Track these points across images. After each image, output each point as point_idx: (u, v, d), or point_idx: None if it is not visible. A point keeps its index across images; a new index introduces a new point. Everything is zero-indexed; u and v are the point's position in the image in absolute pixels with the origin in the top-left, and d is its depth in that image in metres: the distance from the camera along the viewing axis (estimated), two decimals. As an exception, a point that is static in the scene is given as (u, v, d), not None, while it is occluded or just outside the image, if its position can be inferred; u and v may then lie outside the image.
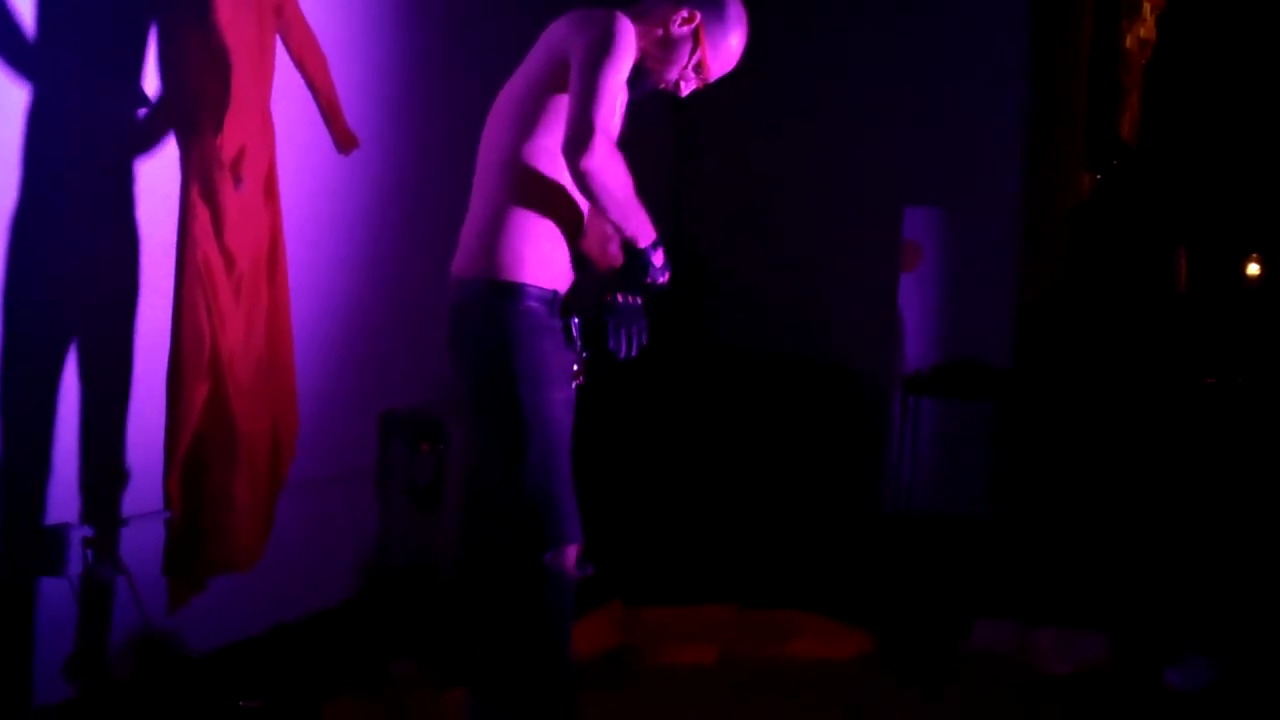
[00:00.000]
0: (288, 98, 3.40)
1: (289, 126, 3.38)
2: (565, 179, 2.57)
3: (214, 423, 3.08)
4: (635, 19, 2.64)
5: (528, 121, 2.63)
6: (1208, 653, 3.69)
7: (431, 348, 4.17)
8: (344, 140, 3.63)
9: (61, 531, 2.88)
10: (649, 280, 2.66)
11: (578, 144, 2.45)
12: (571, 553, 2.59)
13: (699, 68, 2.71)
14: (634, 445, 5.11)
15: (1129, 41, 5.99)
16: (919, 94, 5.42)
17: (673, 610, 4.04)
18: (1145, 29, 6.03)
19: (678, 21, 2.68)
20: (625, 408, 5.10)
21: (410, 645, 3.61)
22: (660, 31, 2.69)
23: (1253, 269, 5.74)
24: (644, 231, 2.60)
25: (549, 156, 2.59)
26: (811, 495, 5.13)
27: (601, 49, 2.50)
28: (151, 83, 2.99)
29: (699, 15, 2.68)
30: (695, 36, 2.68)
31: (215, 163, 3.02)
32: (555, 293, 2.65)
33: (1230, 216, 5.89)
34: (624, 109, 2.70)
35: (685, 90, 2.76)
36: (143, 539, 3.07)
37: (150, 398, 3.05)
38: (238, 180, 3.09)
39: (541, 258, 2.62)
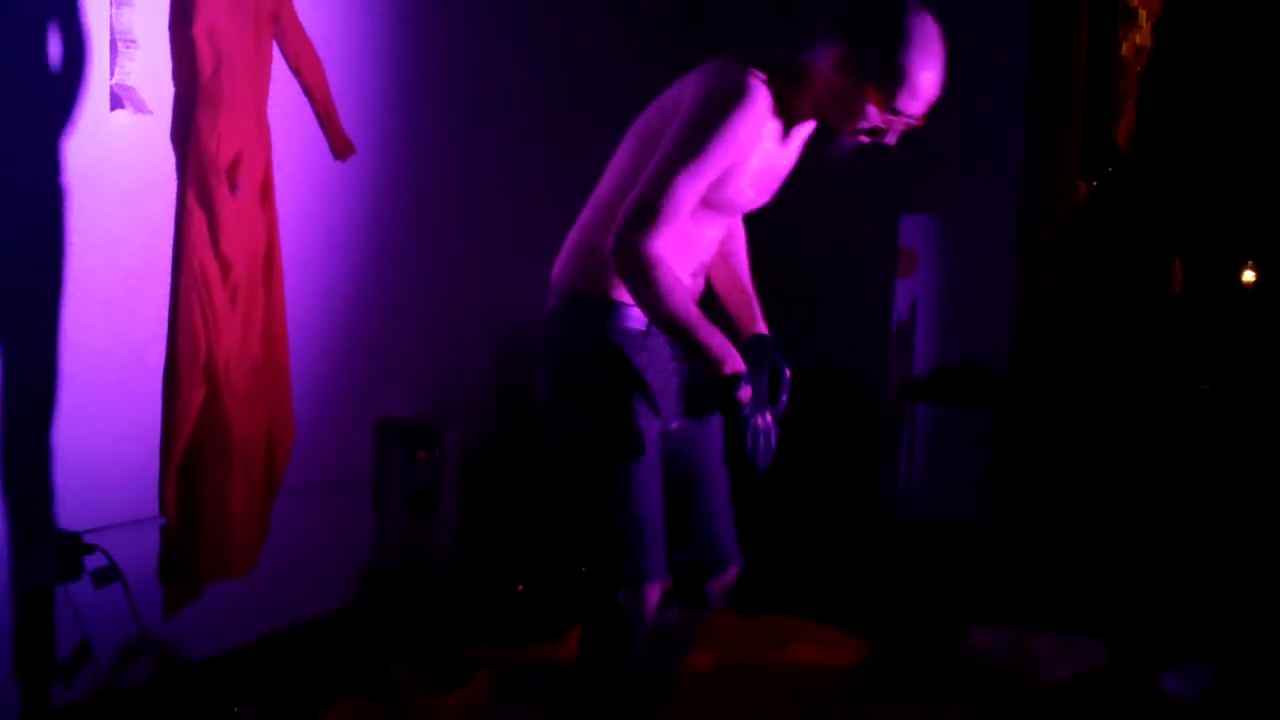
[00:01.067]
0: (284, 104, 3.41)
1: (285, 133, 3.39)
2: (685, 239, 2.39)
3: (210, 429, 3.08)
4: (793, 75, 2.34)
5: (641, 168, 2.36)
6: (1205, 659, 3.68)
7: (427, 354, 4.20)
8: (340, 146, 3.64)
9: (56, 538, 2.87)
10: (738, 416, 2.31)
11: (630, 225, 2.22)
12: (652, 593, 2.40)
13: (887, 109, 2.28)
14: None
15: (1125, 49, 6.00)
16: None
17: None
18: (1141, 36, 6.04)
19: (833, 65, 2.31)
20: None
21: (407, 650, 3.61)
22: (826, 81, 2.33)
23: (1248, 275, 5.75)
24: (717, 357, 2.26)
25: None
26: (809, 501, 5.13)
27: (702, 122, 2.23)
28: (149, 88, 2.99)
29: (845, 52, 2.28)
30: (862, 76, 2.27)
31: (211, 169, 3.02)
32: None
33: (1226, 223, 5.90)
34: (765, 178, 2.43)
35: (891, 138, 2.37)
36: (138, 545, 3.07)
37: (146, 404, 3.05)
38: (234, 186, 3.10)
39: None
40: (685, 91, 2.34)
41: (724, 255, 2.67)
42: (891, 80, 2.25)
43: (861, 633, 3.93)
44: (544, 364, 2.48)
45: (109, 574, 2.98)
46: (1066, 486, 4.94)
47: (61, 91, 2.84)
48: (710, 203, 2.37)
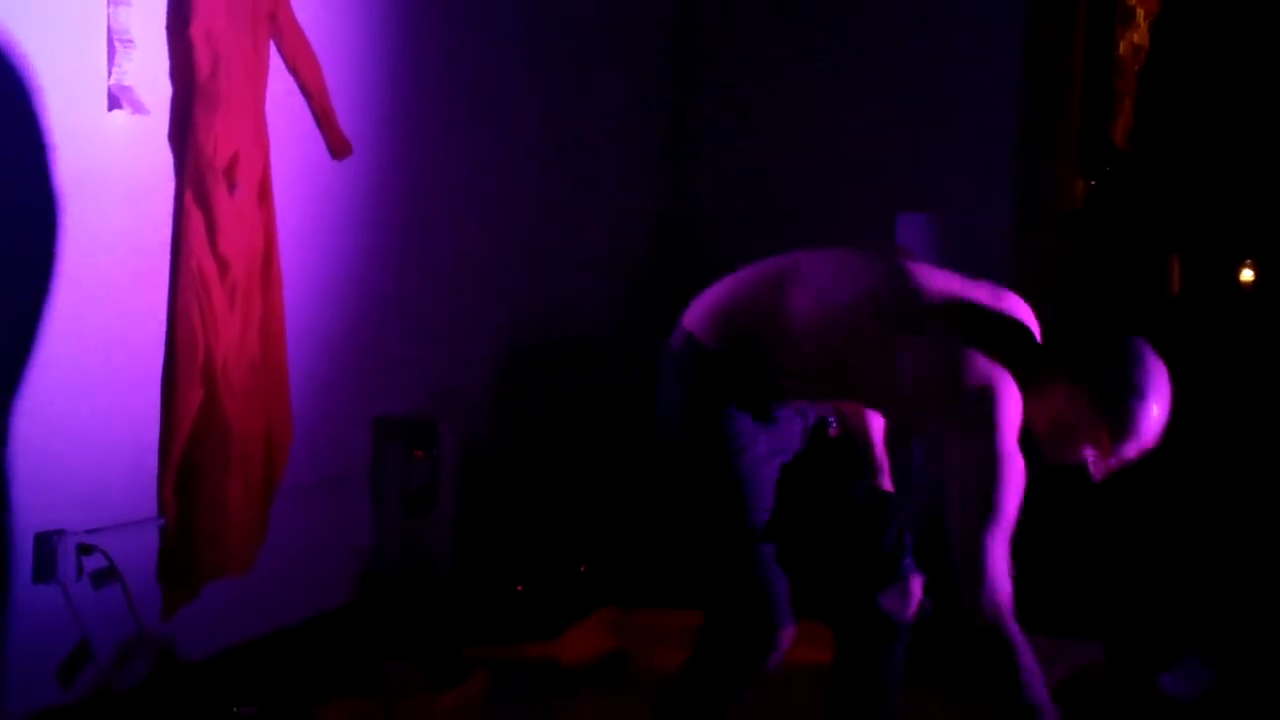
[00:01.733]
0: (282, 103, 3.40)
1: (283, 132, 3.39)
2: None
3: (208, 428, 3.09)
4: (1024, 386, 2.28)
5: (843, 359, 2.36)
6: (1203, 659, 3.69)
7: (425, 351, 4.20)
8: (338, 146, 3.63)
9: (54, 537, 2.88)
10: None
11: (977, 599, 2.19)
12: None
13: (1107, 452, 2.28)
14: (629, 448, 5.10)
15: (1122, 47, 5.99)
16: (912, 100, 5.43)
17: (667, 614, 4.04)
18: (1139, 35, 6.04)
19: (1065, 403, 2.27)
20: (622, 409, 5.10)
21: (404, 648, 3.61)
22: (1050, 410, 2.29)
23: (1246, 274, 5.75)
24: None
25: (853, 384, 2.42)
26: (806, 498, 5.12)
27: (989, 495, 2.19)
28: (146, 89, 2.99)
29: (1087, 396, 2.25)
30: (1094, 417, 2.26)
31: (209, 169, 3.03)
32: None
33: (1224, 222, 5.90)
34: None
35: (1097, 474, 2.33)
36: (137, 545, 3.07)
37: (144, 403, 3.05)
38: (232, 186, 3.10)
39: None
40: (939, 393, 2.27)
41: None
42: (1122, 429, 2.25)
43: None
44: (666, 393, 2.51)
45: (108, 574, 2.98)
46: (1062, 485, 4.94)
47: (59, 91, 2.84)
48: None
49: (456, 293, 4.33)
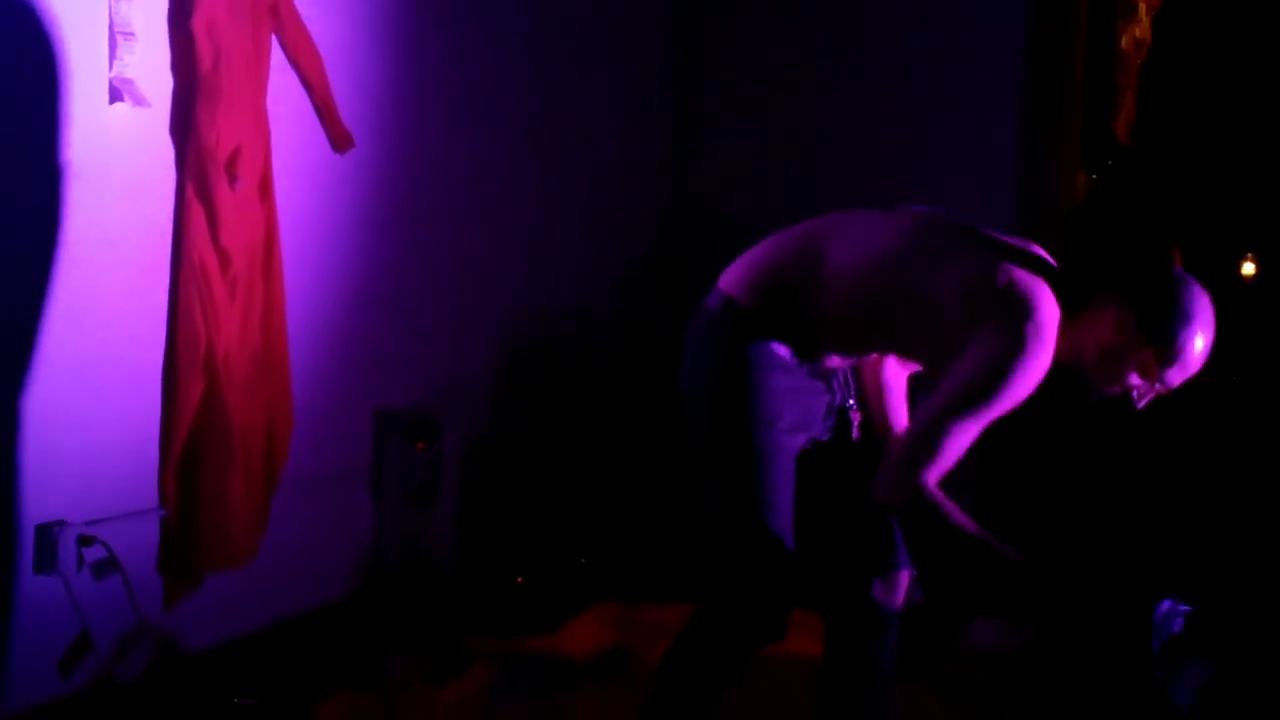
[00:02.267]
0: (283, 96, 3.41)
1: (284, 125, 3.39)
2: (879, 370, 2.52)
3: (209, 421, 3.09)
4: (1069, 319, 2.33)
5: (883, 300, 2.41)
6: (1203, 653, 3.68)
7: (426, 344, 4.21)
8: (339, 139, 3.64)
9: (55, 529, 2.88)
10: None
11: (909, 464, 2.27)
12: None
13: (1153, 377, 2.32)
14: (631, 442, 5.11)
15: (1124, 42, 5.98)
16: (914, 95, 5.42)
17: (669, 608, 4.04)
18: (1141, 29, 6.03)
19: (1112, 330, 2.32)
20: (623, 404, 5.11)
21: (405, 642, 3.62)
22: (1097, 337, 2.34)
23: (1248, 268, 5.74)
24: (1014, 558, 2.34)
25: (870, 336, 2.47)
26: (808, 493, 5.13)
27: (992, 382, 2.23)
28: (147, 81, 2.99)
29: (1134, 320, 2.29)
30: (1140, 343, 2.30)
31: (210, 161, 3.03)
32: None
33: (1226, 216, 5.89)
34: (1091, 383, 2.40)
35: (1140, 403, 2.38)
36: (138, 537, 3.07)
37: (145, 396, 3.06)
38: (233, 179, 3.10)
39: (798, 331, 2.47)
40: (985, 296, 2.31)
41: (886, 382, 2.73)
42: (1169, 353, 2.29)
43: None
44: (695, 360, 2.55)
45: (108, 565, 2.99)
46: (1063, 480, 4.94)
47: (60, 85, 2.85)
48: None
49: (458, 288, 4.33)
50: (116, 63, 2.92)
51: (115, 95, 2.93)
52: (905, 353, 2.52)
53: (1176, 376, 2.32)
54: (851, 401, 2.62)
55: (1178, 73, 6.13)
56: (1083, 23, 5.77)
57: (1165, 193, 5.95)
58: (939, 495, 2.27)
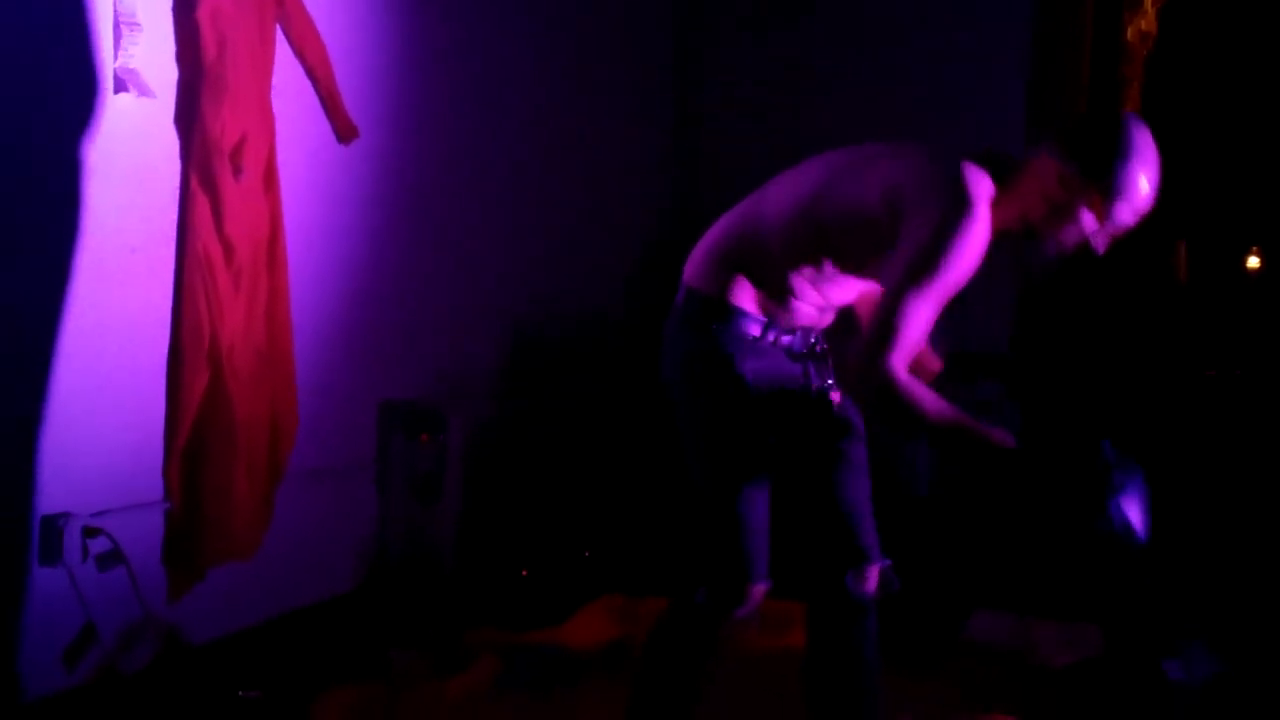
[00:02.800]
0: (288, 88, 3.40)
1: (289, 116, 3.39)
2: (815, 286, 2.52)
3: (213, 413, 3.09)
4: (1009, 184, 2.40)
5: (818, 220, 2.47)
6: (1208, 645, 3.68)
7: (431, 337, 4.20)
8: (344, 130, 3.63)
9: (60, 521, 2.88)
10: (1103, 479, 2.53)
11: (874, 352, 2.27)
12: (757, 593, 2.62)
13: (1103, 219, 2.37)
14: (634, 435, 5.10)
15: (1130, 34, 5.97)
16: (919, 85, 5.41)
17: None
18: (1146, 21, 6.01)
19: (1055, 182, 2.36)
20: (624, 398, 5.10)
21: (410, 634, 3.62)
22: (1042, 193, 2.38)
23: (1253, 261, 5.74)
24: (996, 440, 2.37)
25: (813, 259, 2.50)
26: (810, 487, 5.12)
27: (933, 254, 2.26)
28: (152, 72, 2.98)
29: (1075, 167, 2.33)
30: (1082, 188, 2.34)
31: (215, 152, 3.02)
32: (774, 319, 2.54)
33: (1231, 209, 5.89)
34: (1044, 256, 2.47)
35: (1100, 248, 2.44)
36: (142, 529, 3.07)
37: (150, 387, 3.05)
38: (237, 170, 3.10)
39: (763, 298, 2.53)
40: (908, 188, 2.37)
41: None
42: (1113, 189, 2.34)
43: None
44: (669, 351, 2.61)
45: (113, 557, 2.99)
46: (1061, 483, 4.93)
47: (65, 75, 2.84)
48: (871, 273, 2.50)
49: (462, 281, 4.33)
50: (121, 53, 2.92)
51: (120, 85, 2.93)
52: (861, 270, 2.54)
53: (1125, 213, 2.37)
54: (830, 382, 2.62)
55: (1184, 66, 6.12)
56: (1088, 15, 5.76)
57: (1170, 185, 5.93)
58: (908, 378, 2.29)
